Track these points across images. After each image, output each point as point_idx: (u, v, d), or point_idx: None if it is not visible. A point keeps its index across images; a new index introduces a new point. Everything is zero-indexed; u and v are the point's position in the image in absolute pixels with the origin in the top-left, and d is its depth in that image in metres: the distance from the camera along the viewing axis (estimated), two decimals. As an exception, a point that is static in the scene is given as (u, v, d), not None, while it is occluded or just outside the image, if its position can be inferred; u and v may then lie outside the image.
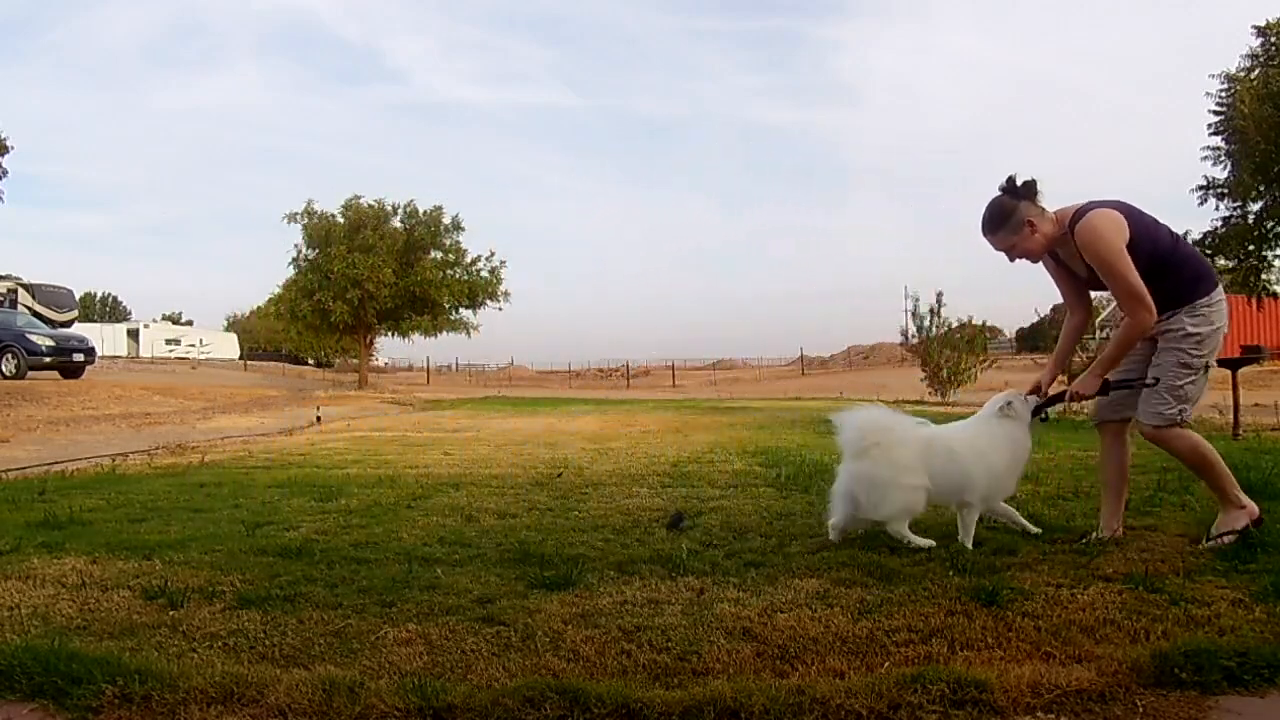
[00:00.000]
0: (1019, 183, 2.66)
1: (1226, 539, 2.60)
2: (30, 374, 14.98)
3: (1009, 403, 2.83)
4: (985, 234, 2.72)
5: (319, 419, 10.78)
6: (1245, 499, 2.70)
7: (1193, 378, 2.59)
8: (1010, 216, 2.65)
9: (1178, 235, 2.74)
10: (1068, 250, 2.70)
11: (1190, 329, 2.59)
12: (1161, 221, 2.69)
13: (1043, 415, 2.87)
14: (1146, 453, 5.41)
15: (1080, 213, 2.62)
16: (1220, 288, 2.69)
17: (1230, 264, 12.89)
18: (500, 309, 25.73)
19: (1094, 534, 2.76)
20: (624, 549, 2.82)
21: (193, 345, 44.07)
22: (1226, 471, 2.69)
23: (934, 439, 2.84)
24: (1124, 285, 2.53)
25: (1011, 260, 2.73)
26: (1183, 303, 2.60)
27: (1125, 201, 2.67)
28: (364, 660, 1.79)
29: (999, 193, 2.69)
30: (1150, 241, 2.60)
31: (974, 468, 2.73)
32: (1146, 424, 2.66)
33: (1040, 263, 2.78)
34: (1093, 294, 2.92)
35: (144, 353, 39.71)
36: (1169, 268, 2.61)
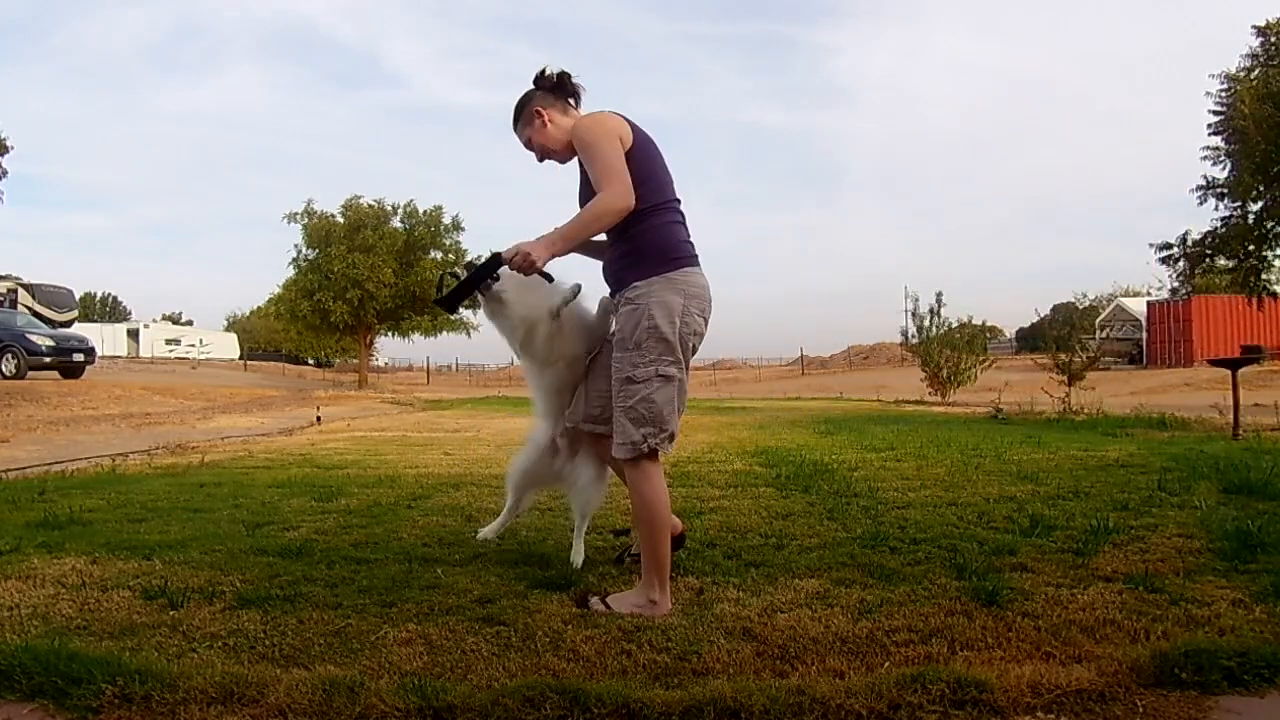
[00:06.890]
0: (546, 73, 2.36)
1: None
2: (30, 374, 15.00)
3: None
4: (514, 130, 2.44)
5: (319, 419, 10.78)
6: None
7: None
8: (524, 107, 2.38)
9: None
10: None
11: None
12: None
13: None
14: (1145, 452, 5.43)
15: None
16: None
17: (1230, 264, 12.88)
18: (500, 309, 25.72)
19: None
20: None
21: (193, 345, 44.10)
22: None
23: None
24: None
25: (539, 160, 2.41)
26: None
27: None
28: (364, 660, 1.79)
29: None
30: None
31: None
32: None
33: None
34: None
35: (144, 353, 39.74)
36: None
